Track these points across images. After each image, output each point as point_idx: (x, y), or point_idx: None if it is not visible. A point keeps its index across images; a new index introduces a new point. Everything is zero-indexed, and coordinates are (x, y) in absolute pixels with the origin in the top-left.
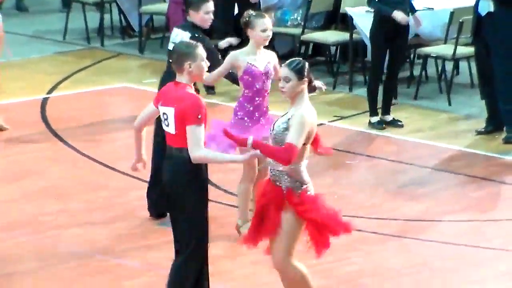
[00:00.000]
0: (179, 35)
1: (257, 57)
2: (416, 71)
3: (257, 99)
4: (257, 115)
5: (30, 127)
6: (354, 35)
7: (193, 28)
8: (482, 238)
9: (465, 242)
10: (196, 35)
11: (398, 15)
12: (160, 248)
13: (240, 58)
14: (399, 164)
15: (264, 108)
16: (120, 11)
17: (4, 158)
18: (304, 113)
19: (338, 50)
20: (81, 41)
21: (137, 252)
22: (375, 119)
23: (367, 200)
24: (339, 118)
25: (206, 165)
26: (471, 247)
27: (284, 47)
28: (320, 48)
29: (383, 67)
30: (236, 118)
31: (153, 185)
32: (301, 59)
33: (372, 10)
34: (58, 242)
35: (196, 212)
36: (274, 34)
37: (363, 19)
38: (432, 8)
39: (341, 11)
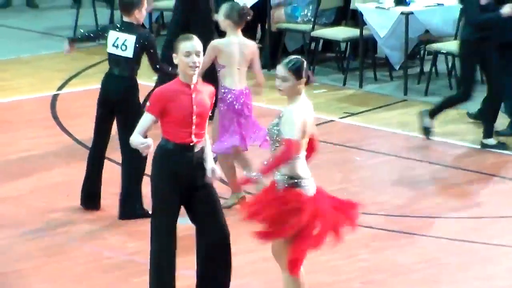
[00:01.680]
0: (120, 38)
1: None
2: (426, 67)
3: None
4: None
5: (40, 124)
6: (364, 31)
7: (137, 28)
8: (492, 235)
9: (474, 238)
10: (143, 36)
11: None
12: None
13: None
14: (408, 160)
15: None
16: None
17: (14, 154)
18: (294, 108)
19: (348, 46)
20: None
21: (146, 249)
22: (492, 141)
23: (376, 197)
24: (349, 114)
25: (177, 156)
26: (480, 244)
27: (294, 43)
28: (330, 44)
29: None
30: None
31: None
32: (299, 57)
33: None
34: (67, 239)
35: (153, 187)
36: (285, 30)
37: (373, 15)
38: (442, 4)
39: (351, 7)
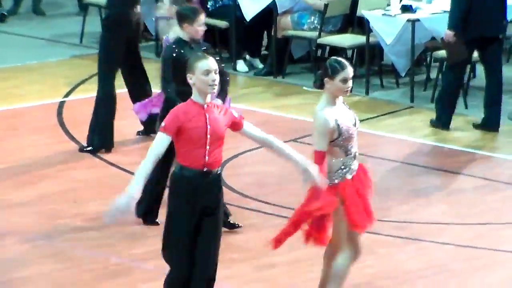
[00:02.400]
0: None
1: None
2: (433, 74)
3: None
4: None
5: (46, 131)
6: (371, 38)
7: (178, 39)
8: (499, 241)
9: (481, 245)
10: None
11: None
12: None
13: None
14: (415, 167)
15: None
16: None
17: (21, 161)
18: None
19: (355, 53)
20: (97, 45)
21: (153, 255)
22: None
23: (383, 203)
24: None
25: (186, 179)
26: (488, 250)
27: (301, 50)
28: (336, 51)
29: None
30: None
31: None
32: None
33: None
34: (74, 246)
35: (167, 218)
36: (291, 37)
37: (380, 23)
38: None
39: (357, 14)
